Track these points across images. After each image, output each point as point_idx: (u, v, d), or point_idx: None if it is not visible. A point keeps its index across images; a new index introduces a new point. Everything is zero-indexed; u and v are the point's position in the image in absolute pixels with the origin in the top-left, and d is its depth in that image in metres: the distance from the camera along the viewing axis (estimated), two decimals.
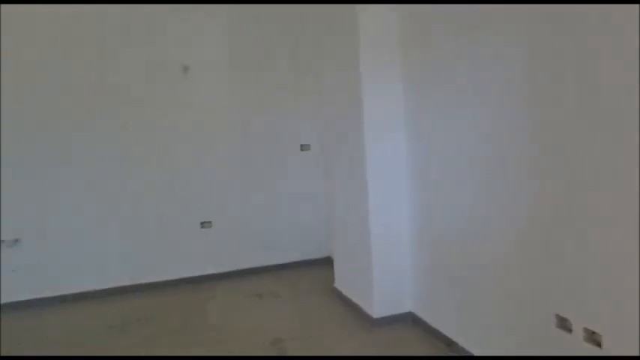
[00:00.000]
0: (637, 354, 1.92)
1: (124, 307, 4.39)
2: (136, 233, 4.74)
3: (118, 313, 4.28)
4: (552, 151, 2.24)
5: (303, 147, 5.11)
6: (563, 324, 2.26)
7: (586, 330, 2.15)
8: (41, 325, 4.13)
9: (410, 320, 3.61)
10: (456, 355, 3.08)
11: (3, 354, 3.56)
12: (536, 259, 2.40)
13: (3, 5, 4.25)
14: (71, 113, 4.51)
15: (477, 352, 2.93)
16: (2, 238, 4.43)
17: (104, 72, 4.57)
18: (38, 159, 4.46)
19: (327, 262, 5.07)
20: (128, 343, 3.66)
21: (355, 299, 3.94)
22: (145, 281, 4.76)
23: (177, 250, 4.84)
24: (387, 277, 3.61)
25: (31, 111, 4.41)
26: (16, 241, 4.47)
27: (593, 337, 2.12)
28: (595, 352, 2.10)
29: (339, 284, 4.29)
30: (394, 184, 3.56)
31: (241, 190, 4.97)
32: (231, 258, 4.99)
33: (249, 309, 4.20)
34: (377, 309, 3.61)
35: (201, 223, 4.89)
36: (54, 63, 4.44)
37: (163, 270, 4.82)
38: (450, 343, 3.17)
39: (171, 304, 4.43)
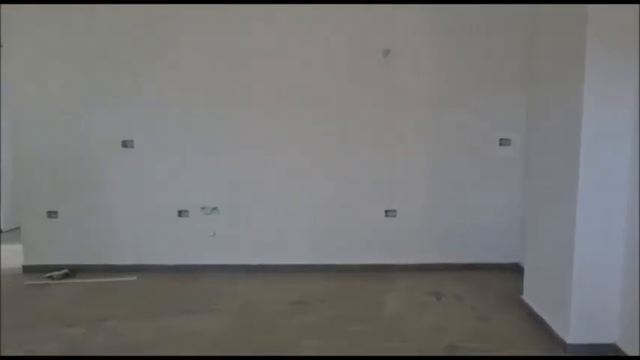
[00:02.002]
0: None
1: (306, 286, 4.65)
2: (324, 216, 4.98)
3: (301, 291, 4.52)
4: None
5: (503, 141, 4.84)
6: None
7: None
8: (232, 290, 4.57)
9: (611, 352, 3.26)
10: None
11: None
12: None
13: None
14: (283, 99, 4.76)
15: None
16: (202, 206, 4.90)
17: (310, 58, 4.74)
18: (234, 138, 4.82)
19: (514, 270, 4.83)
20: (309, 322, 3.89)
21: (546, 317, 3.69)
22: (329, 263, 4.93)
23: (361, 236, 4.95)
24: (590, 298, 3.31)
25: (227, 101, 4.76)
26: (214, 209, 4.91)
27: None
28: None
29: (528, 297, 4.05)
30: (612, 194, 3.18)
31: (429, 182, 4.90)
32: (413, 250, 5.00)
33: (426, 307, 4.19)
34: (573, 333, 3.35)
35: (386, 212, 4.91)
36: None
37: (346, 254, 4.97)
38: None
39: (351, 289, 4.60)
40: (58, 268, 4.96)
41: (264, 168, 4.93)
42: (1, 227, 6.68)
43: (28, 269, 5.08)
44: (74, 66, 4.86)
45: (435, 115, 4.85)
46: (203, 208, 4.97)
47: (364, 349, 3.45)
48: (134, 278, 4.85)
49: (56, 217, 5.03)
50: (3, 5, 4.81)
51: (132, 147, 4.92)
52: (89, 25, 4.80)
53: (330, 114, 4.85)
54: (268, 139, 4.89)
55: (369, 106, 4.83)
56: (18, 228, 5.89)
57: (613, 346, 3.29)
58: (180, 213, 5.00)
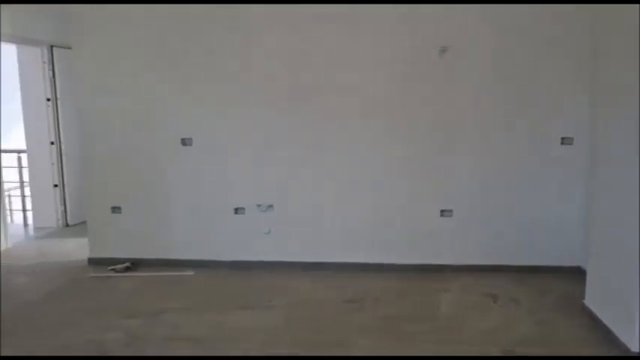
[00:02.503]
0: None
1: (360, 284, 4.66)
2: (379, 214, 4.98)
3: (355, 289, 4.53)
4: None
5: (565, 140, 4.69)
6: None
7: None
8: (287, 287, 4.64)
9: None
10: None
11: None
12: None
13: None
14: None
15: None
16: (258, 203, 4.98)
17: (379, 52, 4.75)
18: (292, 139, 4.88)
19: (575, 273, 4.68)
20: (363, 321, 3.90)
21: (610, 324, 3.57)
22: (383, 262, 4.93)
23: (416, 236, 4.93)
24: None
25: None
26: (270, 206, 4.99)
27: None
28: None
29: (590, 302, 3.92)
30: None
31: (486, 182, 4.82)
32: (468, 251, 4.93)
33: (483, 309, 4.13)
34: None
35: (441, 211, 4.86)
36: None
37: (401, 253, 4.96)
38: None
39: (406, 289, 4.59)
40: (121, 261, 5.15)
41: (320, 166, 4.96)
42: (68, 221, 6.99)
43: (93, 262, 5.30)
44: (137, 65, 5.03)
45: (493, 113, 4.74)
46: (259, 206, 5.05)
47: (418, 350, 3.43)
48: (191, 273, 4.98)
49: (120, 213, 5.23)
50: (73, 5, 5.04)
51: (191, 145, 5.05)
52: (152, 25, 4.95)
53: (385, 112, 4.83)
54: (323, 138, 4.92)
55: (425, 105, 4.78)
56: (83, 222, 6.16)
57: None
58: (236, 210, 5.10)
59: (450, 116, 4.78)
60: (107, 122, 5.15)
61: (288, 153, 4.97)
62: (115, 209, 5.24)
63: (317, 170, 4.97)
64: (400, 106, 4.81)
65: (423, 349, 3.45)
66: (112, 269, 5.07)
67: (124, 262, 5.14)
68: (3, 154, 7.17)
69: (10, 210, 7.75)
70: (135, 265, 5.16)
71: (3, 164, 7.16)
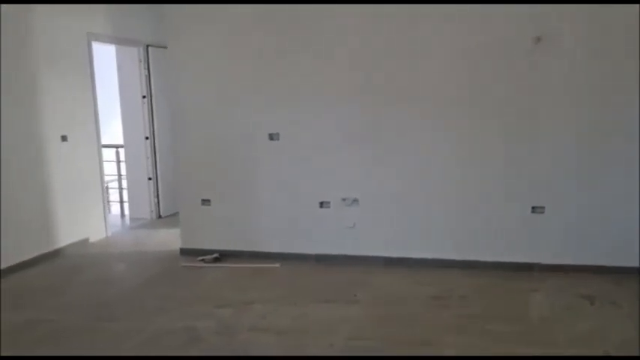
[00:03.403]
0: None
1: (446, 281, 4.59)
2: (467, 210, 4.88)
3: (441, 286, 4.47)
4: None
5: None
6: None
7: None
8: (371, 282, 4.66)
9: None
10: None
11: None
12: None
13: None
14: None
15: None
16: (343, 197, 5.00)
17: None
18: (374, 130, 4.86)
19: None
20: (449, 318, 3.85)
21: None
22: (470, 259, 4.83)
23: (505, 233, 4.78)
24: None
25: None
26: (355, 200, 5.00)
27: None
28: None
29: None
30: None
31: (580, 178, 4.59)
32: (562, 249, 4.72)
33: (577, 311, 3.95)
34: None
35: (533, 208, 4.68)
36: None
37: (489, 250, 4.84)
38: None
39: (494, 287, 4.47)
40: (210, 252, 5.35)
41: (406, 162, 4.91)
42: (161, 213, 7.33)
43: (184, 252, 5.54)
44: (227, 63, 5.19)
45: (586, 108, 4.49)
46: (344, 200, 5.07)
47: (507, 351, 3.33)
48: (277, 265, 5.09)
49: (209, 205, 5.43)
50: (166, 5, 5.27)
51: (278, 139, 5.15)
52: (239, 24, 5.09)
53: (470, 107, 4.71)
54: (410, 133, 4.86)
55: (513, 98, 4.60)
56: (174, 214, 6.45)
57: None
58: (321, 204, 5.15)
59: (539, 111, 4.57)
60: (198, 118, 5.35)
61: (374, 148, 4.95)
62: (205, 201, 5.44)
63: (402, 166, 4.93)
64: (487, 100, 4.66)
65: (513, 350, 3.34)
66: (202, 259, 5.27)
67: (212, 253, 5.33)
68: (105, 149, 7.66)
69: (108, 201, 8.23)
70: (223, 256, 5.34)
71: (105, 158, 7.64)
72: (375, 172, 5.00)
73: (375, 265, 5.00)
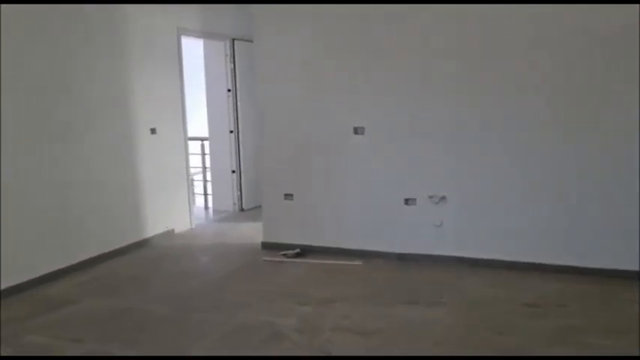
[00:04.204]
0: None
1: (539, 287, 4.31)
2: (562, 210, 4.53)
3: (534, 291, 4.20)
4: None
5: None
6: None
7: None
8: (458, 284, 4.44)
9: None
10: None
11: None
12: None
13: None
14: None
15: None
16: (430, 194, 4.79)
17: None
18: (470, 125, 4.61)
19: None
20: (546, 329, 3.58)
21: None
22: (565, 264, 4.49)
23: (606, 236, 4.39)
24: None
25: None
26: (442, 198, 4.77)
27: None
28: None
29: None
30: None
31: None
32: None
33: None
34: None
35: None
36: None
37: (587, 255, 4.48)
38: None
39: (594, 296, 4.13)
40: (292, 247, 5.29)
41: (499, 158, 4.62)
42: (244, 206, 7.38)
43: (265, 245, 5.52)
44: (313, 56, 5.11)
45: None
46: (431, 197, 4.85)
47: None
48: (359, 263, 4.95)
49: (291, 200, 5.37)
50: (253, 5, 5.27)
51: (362, 134, 5.01)
52: (327, 19, 4.99)
53: (573, 102, 4.35)
54: (498, 128, 4.58)
55: (618, 91, 4.22)
56: (256, 207, 6.46)
57: None
58: (406, 201, 4.96)
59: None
60: (282, 112, 5.31)
61: (464, 143, 4.70)
62: (287, 196, 5.38)
63: (496, 161, 4.64)
64: (592, 95, 4.30)
65: None
66: (284, 254, 5.22)
67: (294, 248, 5.27)
68: (191, 142, 7.81)
69: (193, 193, 8.40)
70: (304, 251, 5.26)
71: (190, 151, 7.80)
72: (464, 168, 4.75)
73: (460, 266, 4.76)
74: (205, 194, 7.95)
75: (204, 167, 8.01)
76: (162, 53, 6.01)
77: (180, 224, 6.34)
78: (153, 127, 5.88)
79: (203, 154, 7.94)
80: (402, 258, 4.99)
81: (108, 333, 3.68)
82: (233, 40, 7.08)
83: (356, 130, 5.04)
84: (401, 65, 4.81)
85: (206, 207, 7.84)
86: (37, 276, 4.58)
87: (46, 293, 4.42)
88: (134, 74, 5.61)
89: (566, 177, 4.46)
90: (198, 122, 7.85)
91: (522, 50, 4.46)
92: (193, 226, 6.54)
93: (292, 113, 5.27)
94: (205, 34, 6.79)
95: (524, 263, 4.62)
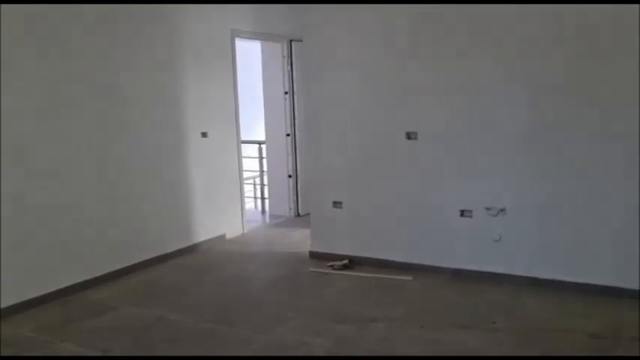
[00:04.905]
0: None
1: (611, 315, 3.82)
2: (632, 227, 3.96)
3: (604, 320, 3.73)
4: None
5: None
6: None
7: None
8: (515, 306, 4.04)
9: None
10: None
11: None
12: None
13: None
14: None
15: None
16: (488, 206, 4.39)
17: None
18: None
19: None
20: None
21: None
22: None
23: None
24: None
25: None
26: (501, 210, 4.36)
27: None
28: None
29: None
30: None
31: None
32: None
33: None
34: None
35: None
36: None
37: None
38: None
39: None
40: (340, 257, 5.03)
41: (562, 168, 4.15)
42: (300, 211, 7.18)
43: (313, 255, 5.29)
44: (365, 58, 4.83)
45: None
46: (488, 209, 4.44)
47: None
48: (409, 278, 4.62)
49: (340, 208, 5.11)
50: (297, 5, 5.08)
51: (415, 139, 4.67)
52: (372, 23, 4.72)
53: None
54: (569, 136, 4.10)
55: None
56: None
57: None
58: (462, 212, 4.57)
59: None
60: (332, 116, 5.06)
61: (526, 151, 4.26)
62: (337, 204, 5.12)
63: (558, 173, 4.17)
64: None
65: None
66: (331, 265, 4.96)
67: (342, 259, 5.01)
68: (248, 145, 7.74)
69: (255, 197, 8.30)
70: (352, 262, 4.99)
71: (247, 154, 7.73)
72: (525, 179, 4.30)
73: (520, 285, 4.31)
74: (262, 198, 7.83)
75: (262, 171, 7.89)
76: (215, 55, 5.91)
77: (232, 229, 6.23)
78: (204, 130, 5.80)
79: (261, 157, 7.82)
80: (456, 274, 4.60)
81: (137, 344, 3.58)
82: (290, 41, 6.90)
83: (409, 136, 4.71)
84: (456, 67, 4.44)
85: (263, 211, 7.72)
86: (83, 280, 4.58)
87: (90, 298, 4.41)
88: (186, 77, 5.54)
89: (621, 190, 3.95)
90: (258, 125, 7.75)
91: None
92: (245, 232, 6.41)
93: (343, 116, 5.00)
94: (261, 36, 6.65)
95: (595, 286, 4.11)
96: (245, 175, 6.81)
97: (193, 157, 5.67)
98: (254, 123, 7.99)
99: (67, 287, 4.45)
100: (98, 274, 4.68)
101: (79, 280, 4.55)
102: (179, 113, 5.50)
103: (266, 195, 7.75)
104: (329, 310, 4.03)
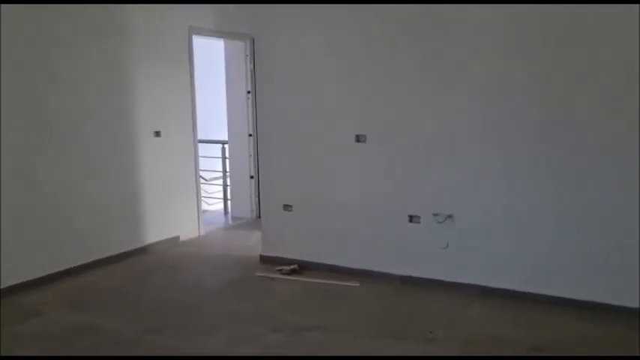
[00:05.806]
0: None
1: (555, 326, 3.69)
2: (594, 234, 3.86)
3: (546, 331, 3.62)
4: None
5: None
6: None
7: None
8: (458, 316, 3.91)
9: None
10: None
11: None
12: None
13: None
14: None
15: None
16: (435, 212, 4.26)
17: None
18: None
19: None
20: None
21: None
22: (597, 300, 3.84)
23: None
24: None
25: None
26: (449, 217, 4.24)
27: None
28: None
29: None
30: None
31: None
32: None
33: None
34: None
35: None
36: None
37: (624, 291, 3.78)
38: None
39: (617, 340, 3.48)
40: (289, 262, 4.89)
41: (514, 172, 4.03)
42: (261, 213, 6.99)
43: (263, 259, 5.14)
44: (313, 57, 4.70)
45: None
46: (436, 215, 4.31)
47: None
48: (357, 284, 4.48)
49: (290, 211, 4.96)
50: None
51: (365, 142, 4.54)
52: (325, 25, 4.57)
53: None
54: (522, 138, 3.98)
55: None
56: None
57: None
58: (411, 218, 4.44)
59: None
60: (283, 118, 4.91)
61: (477, 156, 4.13)
62: (287, 207, 4.98)
63: (510, 177, 4.04)
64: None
65: None
66: (280, 270, 4.82)
67: (291, 263, 4.86)
68: (212, 145, 7.59)
69: (225, 199, 8.10)
70: (302, 267, 4.85)
71: (212, 154, 7.58)
72: (475, 183, 4.17)
73: (470, 294, 4.19)
74: (225, 199, 7.67)
75: (225, 172, 7.72)
76: (171, 53, 5.75)
77: (186, 231, 6.06)
78: (157, 129, 5.63)
79: (224, 157, 7.66)
80: (405, 281, 4.47)
81: (56, 351, 3.41)
82: (253, 39, 6.74)
83: (358, 138, 4.57)
84: (409, 73, 4.31)
85: (226, 212, 7.56)
86: (19, 282, 4.41)
87: (21, 302, 4.23)
88: (138, 74, 5.38)
89: (595, 192, 3.81)
90: (224, 125, 7.59)
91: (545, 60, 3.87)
92: (202, 234, 6.25)
93: (292, 119, 4.86)
94: (222, 34, 6.51)
95: (544, 296, 3.99)
96: (210, 175, 6.64)
97: (145, 156, 5.50)
98: (220, 123, 7.82)
99: (2, 289, 4.29)
100: (33, 277, 4.51)
101: (13, 282, 4.37)
102: (130, 112, 5.34)
103: (229, 196, 7.59)
104: (268, 318, 3.89)
